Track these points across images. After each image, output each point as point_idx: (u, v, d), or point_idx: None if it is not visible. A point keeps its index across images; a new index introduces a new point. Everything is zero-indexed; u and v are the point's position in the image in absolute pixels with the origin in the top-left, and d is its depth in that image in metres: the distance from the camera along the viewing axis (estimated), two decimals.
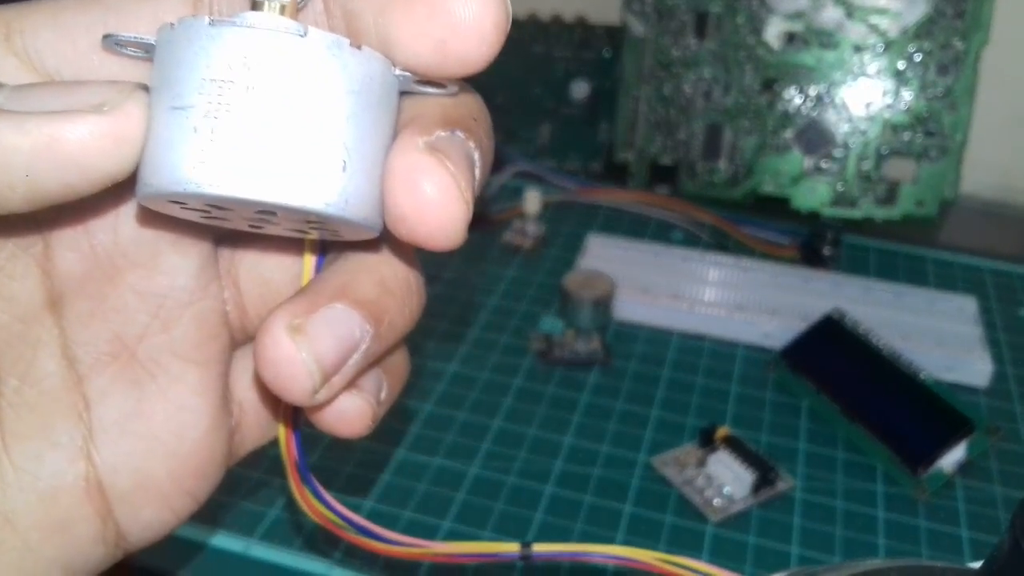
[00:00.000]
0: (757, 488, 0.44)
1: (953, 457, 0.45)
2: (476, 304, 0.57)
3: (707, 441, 0.46)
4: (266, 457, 0.45)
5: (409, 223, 0.19)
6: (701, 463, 0.45)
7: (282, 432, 0.24)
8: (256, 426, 0.26)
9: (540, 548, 0.28)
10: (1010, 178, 0.75)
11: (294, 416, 0.24)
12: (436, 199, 0.19)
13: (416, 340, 0.53)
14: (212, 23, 0.18)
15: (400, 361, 0.25)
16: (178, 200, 0.19)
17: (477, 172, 0.21)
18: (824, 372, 0.50)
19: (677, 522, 0.43)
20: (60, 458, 0.22)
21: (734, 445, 0.45)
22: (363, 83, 0.19)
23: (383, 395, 0.24)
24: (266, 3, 0.19)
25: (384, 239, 0.22)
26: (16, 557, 0.22)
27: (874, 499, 0.45)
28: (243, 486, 0.43)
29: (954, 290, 0.59)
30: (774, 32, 0.65)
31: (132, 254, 0.22)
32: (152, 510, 0.24)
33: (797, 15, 0.64)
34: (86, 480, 0.22)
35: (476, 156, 0.21)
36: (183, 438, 0.23)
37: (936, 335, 0.53)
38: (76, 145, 0.18)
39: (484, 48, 0.19)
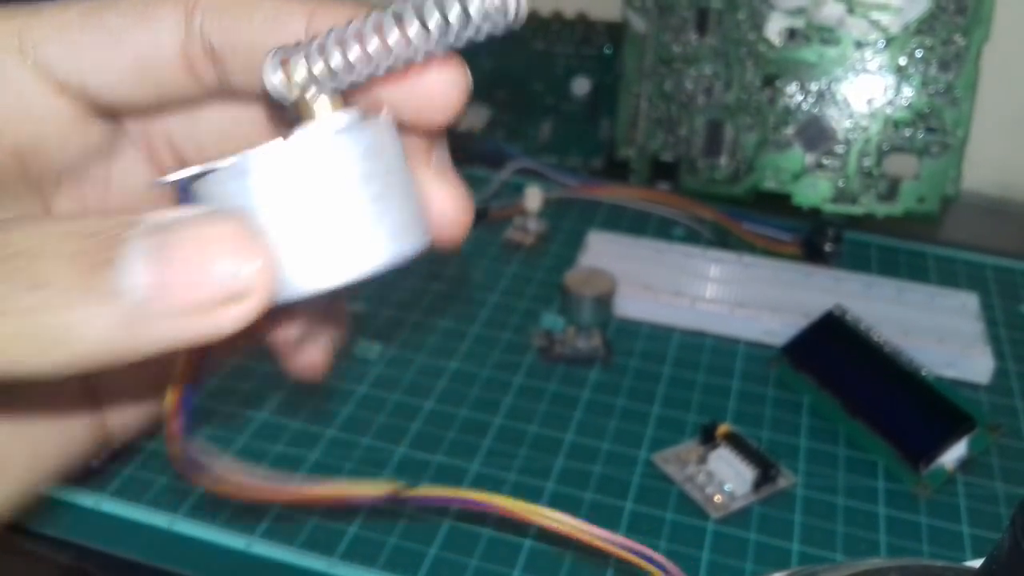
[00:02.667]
0: (758, 485, 0.44)
1: (954, 454, 0.45)
2: (477, 301, 0.57)
3: (708, 438, 0.46)
4: (268, 453, 0.45)
5: (447, 238, 0.24)
6: (702, 460, 0.45)
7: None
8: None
9: (415, 492, 0.28)
10: (1011, 174, 0.75)
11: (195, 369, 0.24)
12: (464, 215, 0.24)
13: (417, 337, 0.53)
14: (288, 142, 0.20)
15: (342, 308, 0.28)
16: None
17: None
18: (825, 369, 0.50)
19: (678, 519, 0.43)
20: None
21: (735, 442, 0.45)
22: (402, 148, 0.22)
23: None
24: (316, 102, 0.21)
25: None
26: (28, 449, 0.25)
27: (875, 496, 0.45)
28: None
29: (955, 286, 0.59)
30: (775, 28, 0.65)
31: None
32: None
33: (798, 11, 0.64)
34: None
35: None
36: None
37: (937, 331, 0.53)
38: (216, 332, 0.19)
39: (451, 112, 0.23)
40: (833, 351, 0.50)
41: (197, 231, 0.19)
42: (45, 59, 0.22)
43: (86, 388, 0.25)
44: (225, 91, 0.23)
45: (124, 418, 0.26)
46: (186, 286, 0.18)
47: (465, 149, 0.72)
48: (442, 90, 0.23)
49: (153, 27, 0.22)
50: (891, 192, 0.65)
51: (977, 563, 0.24)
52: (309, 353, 0.27)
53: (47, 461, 0.25)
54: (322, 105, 0.21)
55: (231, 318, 0.19)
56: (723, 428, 0.46)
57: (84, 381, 0.25)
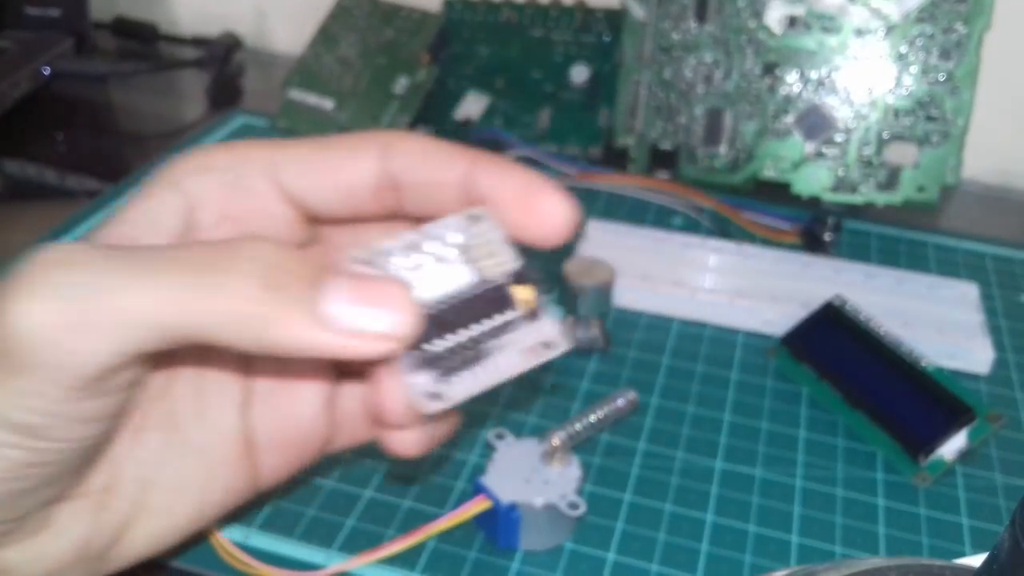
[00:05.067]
0: None
1: (954, 445, 0.45)
2: None
3: None
4: None
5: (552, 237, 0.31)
6: None
7: None
8: (347, 431, 0.35)
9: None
10: (1012, 163, 0.75)
11: None
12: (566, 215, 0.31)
13: None
14: None
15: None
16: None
17: None
18: (825, 359, 0.50)
19: (677, 510, 0.43)
20: (231, 413, 0.33)
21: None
22: None
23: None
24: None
25: None
26: (201, 481, 0.32)
27: (874, 487, 0.45)
28: None
29: (955, 276, 0.59)
30: (775, 16, 0.64)
31: None
32: (274, 459, 0.34)
33: None
34: (241, 429, 0.33)
35: None
36: (296, 413, 0.34)
37: (937, 322, 0.53)
38: (360, 355, 0.27)
39: (564, 237, 0.30)
40: (832, 341, 0.50)
41: (382, 284, 0.27)
42: (283, 178, 0.30)
43: (249, 446, 0.33)
44: (397, 215, 0.31)
45: (273, 472, 0.34)
46: (361, 317, 0.26)
47: (463, 137, 0.71)
48: (553, 225, 0.30)
49: (359, 161, 0.30)
50: (891, 181, 0.65)
51: (976, 558, 0.24)
52: (414, 435, 0.31)
53: (211, 503, 0.33)
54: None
55: (375, 350, 0.27)
56: None
57: (248, 442, 0.33)
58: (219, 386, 0.33)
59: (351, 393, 0.35)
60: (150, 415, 0.31)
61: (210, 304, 0.25)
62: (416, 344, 0.28)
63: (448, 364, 0.28)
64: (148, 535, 0.32)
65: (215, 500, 0.33)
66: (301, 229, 0.32)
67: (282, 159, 0.31)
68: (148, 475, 0.31)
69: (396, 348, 0.27)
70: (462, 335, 0.29)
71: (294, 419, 0.34)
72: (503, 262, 0.30)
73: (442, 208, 0.30)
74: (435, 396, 0.28)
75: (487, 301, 0.29)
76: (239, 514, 0.40)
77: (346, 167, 0.30)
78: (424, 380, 0.28)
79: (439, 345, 0.28)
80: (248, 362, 0.33)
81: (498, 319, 0.29)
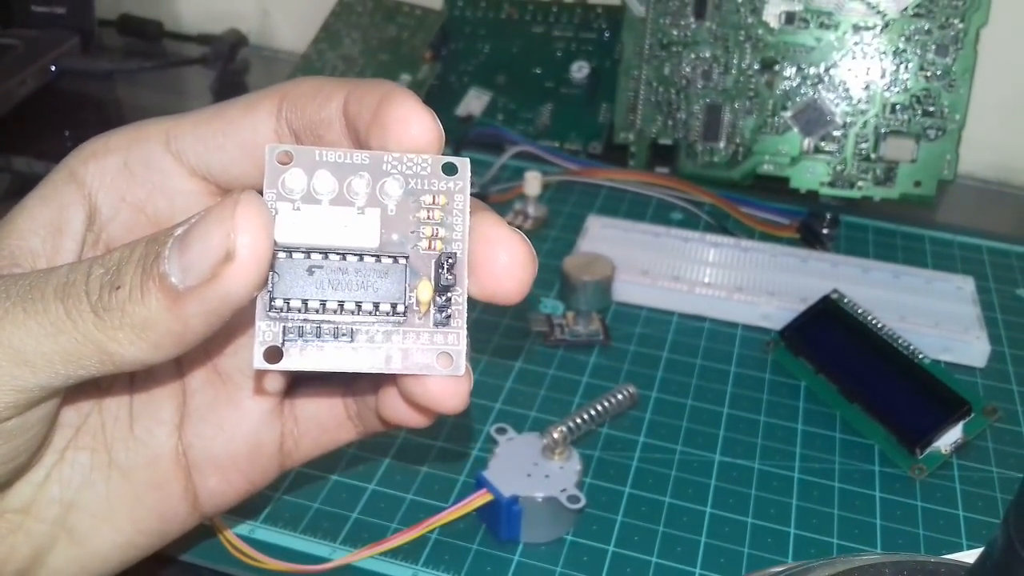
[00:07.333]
0: None
1: (950, 438, 0.46)
2: None
3: None
4: None
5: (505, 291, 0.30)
6: None
7: None
8: (309, 438, 0.33)
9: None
10: (1008, 158, 0.75)
11: None
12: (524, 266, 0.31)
13: None
14: None
15: None
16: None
17: None
18: (822, 353, 0.50)
19: (676, 503, 0.43)
20: (163, 432, 0.31)
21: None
22: None
23: None
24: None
25: None
26: (129, 504, 0.30)
27: (871, 479, 0.45)
28: None
29: (952, 270, 0.60)
30: (773, 12, 0.65)
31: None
32: (216, 480, 0.32)
33: None
34: (176, 451, 0.31)
35: None
36: (237, 429, 0.32)
37: (934, 315, 0.54)
38: (228, 295, 0.24)
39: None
40: (830, 335, 0.51)
41: (204, 218, 0.23)
42: (182, 150, 0.28)
43: (185, 468, 0.31)
44: None
45: (215, 496, 0.32)
46: (196, 258, 0.23)
47: (464, 133, 0.72)
48: (409, 129, 0.26)
49: (254, 117, 0.28)
50: (888, 175, 0.65)
51: (970, 555, 0.25)
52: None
53: (145, 531, 0.31)
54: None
55: (232, 277, 0.23)
56: None
57: (184, 464, 0.31)
58: (150, 404, 0.31)
59: (308, 397, 0.33)
60: (81, 433, 0.30)
61: (57, 346, 0.24)
62: (267, 285, 0.24)
63: (305, 324, 0.25)
64: (70, 562, 0.30)
65: (149, 527, 0.31)
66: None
67: (178, 130, 0.28)
68: (71, 497, 0.29)
69: (238, 271, 0.23)
70: (322, 297, 0.25)
71: (236, 435, 0.31)
72: (430, 237, 0.26)
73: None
74: (274, 353, 0.25)
75: (373, 274, 0.25)
76: (239, 512, 0.41)
77: (243, 125, 0.28)
78: (268, 330, 0.25)
79: (286, 294, 0.24)
80: (183, 377, 0.31)
81: (381, 303, 0.25)
